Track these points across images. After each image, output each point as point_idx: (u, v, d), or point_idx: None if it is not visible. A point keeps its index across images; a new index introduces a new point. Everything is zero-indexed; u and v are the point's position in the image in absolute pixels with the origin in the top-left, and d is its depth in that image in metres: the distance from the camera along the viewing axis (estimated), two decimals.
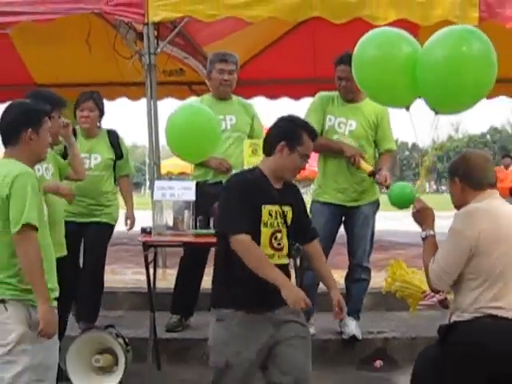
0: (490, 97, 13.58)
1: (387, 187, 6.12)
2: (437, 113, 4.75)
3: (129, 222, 7.15)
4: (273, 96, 13.76)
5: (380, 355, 6.24)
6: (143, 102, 13.16)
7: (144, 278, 7.54)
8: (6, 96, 14.24)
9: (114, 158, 6.79)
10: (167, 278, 7.57)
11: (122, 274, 8.60)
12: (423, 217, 4.61)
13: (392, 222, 18.03)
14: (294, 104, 14.14)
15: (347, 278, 6.73)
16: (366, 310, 7.00)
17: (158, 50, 8.68)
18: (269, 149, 4.44)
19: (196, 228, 5.74)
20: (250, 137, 6.71)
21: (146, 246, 5.72)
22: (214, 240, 5.69)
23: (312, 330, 6.07)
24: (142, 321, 6.52)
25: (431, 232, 4.48)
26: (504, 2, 8.12)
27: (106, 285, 7.01)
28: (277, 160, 4.36)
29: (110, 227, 6.79)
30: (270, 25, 10.18)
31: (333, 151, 6.44)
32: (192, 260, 6.74)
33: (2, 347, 3.96)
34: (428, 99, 4.73)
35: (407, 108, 4.89)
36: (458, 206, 4.43)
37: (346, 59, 5.82)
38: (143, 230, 5.90)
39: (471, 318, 4.06)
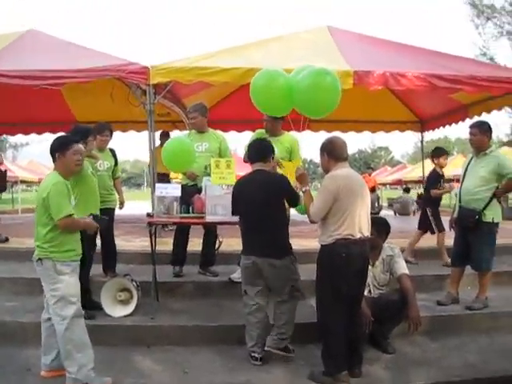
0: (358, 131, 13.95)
1: None
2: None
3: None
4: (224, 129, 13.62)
5: None
6: (144, 132, 13.22)
7: (146, 243, 7.50)
8: (58, 129, 14.09)
9: (114, 164, 6.70)
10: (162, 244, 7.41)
11: (132, 241, 8.42)
12: (302, 179, 4.80)
13: None
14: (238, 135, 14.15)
15: None
16: None
17: (155, 101, 8.56)
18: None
19: (181, 213, 5.71)
20: (219, 155, 6.68)
21: (151, 224, 5.70)
22: (192, 221, 5.75)
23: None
24: (146, 271, 6.40)
25: (307, 188, 4.70)
26: (368, 75, 8.18)
27: (121, 248, 6.98)
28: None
29: (114, 209, 6.71)
30: (221, 87, 10.24)
31: None
32: (180, 232, 6.70)
33: (47, 286, 4.25)
34: (300, 109, 5.04)
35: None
36: (325, 172, 4.62)
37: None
38: (148, 215, 5.86)
39: (333, 241, 4.35)
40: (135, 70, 8.33)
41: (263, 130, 6.70)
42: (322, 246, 4.49)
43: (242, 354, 4.95)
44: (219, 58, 8.80)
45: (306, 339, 5.11)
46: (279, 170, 6.33)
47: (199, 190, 6.20)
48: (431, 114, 13.06)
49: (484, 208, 5.84)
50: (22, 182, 32.06)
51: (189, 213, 5.79)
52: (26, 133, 14.39)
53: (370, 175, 18.50)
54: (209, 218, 5.43)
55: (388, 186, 46.03)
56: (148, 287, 5.90)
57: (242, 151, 29.47)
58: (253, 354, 4.79)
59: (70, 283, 4.22)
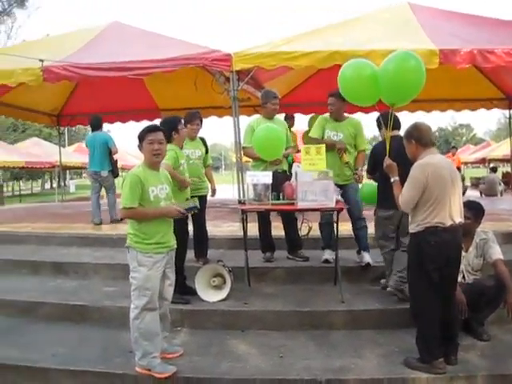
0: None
1: (360, 182, 6.48)
2: (392, 106, 5.01)
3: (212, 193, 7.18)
4: (304, 112, 13.57)
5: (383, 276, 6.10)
6: (224, 118, 13.42)
7: (234, 228, 7.61)
8: (140, 117, 14.54)
9: (205, 152, 6.77)
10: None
11: (220, 227, 8.58)
12: (391, 168, 4.74)
13: None
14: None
15: (353, 228, 6.61)
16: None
17: (239, 87, 8.66)
18: None
19: (271, 199, 5.76)
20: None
21: (244, 211, 5.80)
22: (285, 207, 5.80)
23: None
24: (236, 256, 6.54)
25: (396, 178, 4.63)
26: (455, 53, 7.95)
27: (210, 233, 7.07)
28: None
29: (206, 196, 6.76)
30: (299, 71, 10.26)
31: (329, 145, 6.22)
32: (264, 219, 6.74)
33: (132, 272, 4.37)
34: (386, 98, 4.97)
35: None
36: (412, 159, 4.50)
37: (334, 93, 6.14)
38: (239, 202, 5.97)
39: (423, 229, 4.29)
40: (218, 58, 8.46)
41: (327, 115, 6.71)
42: (411, 234, 4.44)
43: (334, 339, 5.00)
44: (300, 41, 8.79)
45: (400, 325, 5.09)
46: (343, 156, 6.40)
47: (288, 177, 6.26)
48: None
49: None
50: None
51: (279, 199, 5.84)
52: (111, 122, 14.83)
53: (453, 155, 18.04)
54: (300, 204, 5.47)
55: (470, 164, 44.55)
56: (239, 272, 6.01)
57: None
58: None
59: (148, 275, 4.28)
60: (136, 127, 15.07)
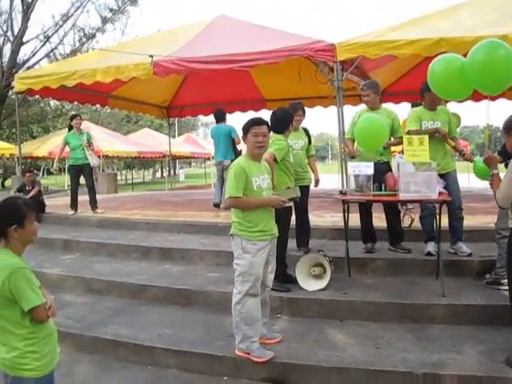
0: None
1: (471, 161, 6.21)
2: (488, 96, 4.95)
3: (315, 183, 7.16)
4: (410, 100, 13.26)
5: (489, 271, 5.89)
6: (330, 108, 13.43)
7: (336, 219, 7.63)
8: (247, 107, 14.83)
9: (308, 143, 6.82)
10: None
11: (323, 217, 8.63)
12: (491, 161, 4.50)
13: None
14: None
15: (450, 218, 6.44)
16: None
17: (344, 77, 8.65)
18: None
19: (373, 190, 5.77)
20: (391, 132, 6.66)
21: (344, 201, 5.82)
22: (387, 198, 5.77)
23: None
24: (337, 246, 6.58)
25: (495, 171, 4.39)
26: None
27: (313, 223, 7.14)
28: None
29: (308, 186, 6.79)
30: (405, 60, 10.00)
31: (431, 132, 6.23)
32: (365, 210, 6.72)
33: (235, 258, 4.53)
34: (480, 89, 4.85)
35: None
36: None
37: (425, 87, 5.94)
38: (340, 192, 6.00)
39: None
40: (322, 48, 8.49)
41: (420, 108, 6.62)
42: (511, 229, 4.28)
43: (433, 334, 4.92)
44: (405, 29, 8.62)
45: (503, 322, 4.93)
46: (449, 141, 6.38)
47: (390, 168, 6.22)
48: None
49: None
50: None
51: (381, 190, 5.83)
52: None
53: None
54: (402, 196, 5.42)
55: None
56: (340, 263, 6.06)
57: None
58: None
59: (252, 262, 4.42)
60: (242, 118, 15.48)
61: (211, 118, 11.22)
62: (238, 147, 10.34)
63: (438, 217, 5.64)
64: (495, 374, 4.10)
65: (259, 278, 4.49)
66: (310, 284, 5.74)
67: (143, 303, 6.04)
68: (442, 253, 5.74)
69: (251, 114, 14.70)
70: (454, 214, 6.34)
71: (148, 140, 27.22)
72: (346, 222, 5.91)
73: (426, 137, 5.60)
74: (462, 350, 4.54)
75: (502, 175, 4.27)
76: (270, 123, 4.84)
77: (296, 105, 6.69)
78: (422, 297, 5.42)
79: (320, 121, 60.53)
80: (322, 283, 5.72)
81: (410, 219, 6.81)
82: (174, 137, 34.78)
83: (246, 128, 4.57)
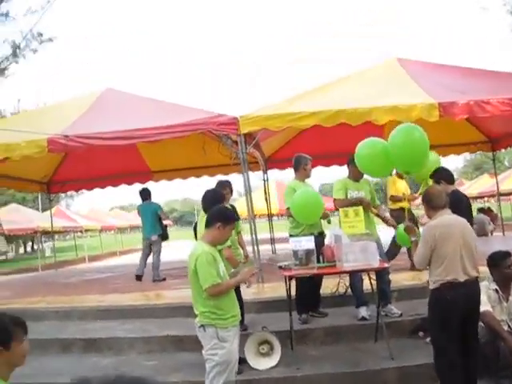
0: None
1: (395, 227, 6.63)
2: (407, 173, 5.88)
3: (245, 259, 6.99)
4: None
5: (420, 329, 6.19)
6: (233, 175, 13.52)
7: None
8: (133, 180, 14.58)
9: None
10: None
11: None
12: (409, 231, 5.18)
13: None
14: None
15: (379, 282, 6.48)
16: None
17: (248, 150, 8.88)
18: None
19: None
20: None
21: (291, 277, 5.81)
22: (331, 270, 5.91)
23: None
24: (268, 319, 6.59)
25: (414, 238, 5.06)
26: (453, 105, 8.31)
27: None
28: None
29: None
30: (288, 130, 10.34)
31: (353, 203, 6.53)
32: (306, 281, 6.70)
33: (207, 350, 4.39)
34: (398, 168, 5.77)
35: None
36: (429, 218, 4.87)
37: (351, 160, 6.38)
38: (280, 267, 6.02)
39: (438, 286, 4.55)
40: (225, 122, 8.65)
41: (345, 178, 7.00)
42: (430, 290, 4.69)
43: None
44: (303, 101, 9.07)
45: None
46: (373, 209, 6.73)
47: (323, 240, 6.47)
48: (503, 132, 13.00)
49: None
50: (86, 230, 33.02)
51: (318, 262, 5.95)
52: (102, 186, 14.85)
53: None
54: (347, 266, 5.58)
55: None
56: (279, 336, 5.95)
57: None
58: None
59: (230, 350, 4.35)
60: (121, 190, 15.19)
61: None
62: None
63: (373, 282, 5.89)
64: None
65: (236, 364, 4.43)
66: (261, 362, 5.66)
67: None
68: (374, 316, 5.97)
69: (138, 186, 14.53)
70: (383, 278, 6.58)
71: (15, 216, 25.75)
72: (289, 295, 5.92)
73: (361, 208, 5.88)
74: None
75: None
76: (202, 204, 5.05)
77: (224, 183, 6.76)
78: (371, 362, 5.55)
79: (184, 187, 60.84)
80: (273, 360, 5.66)
81: (345, 286, 6.99)
82: (38, 209, 33.18)
83: (226, 219, 4.53)
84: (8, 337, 2.68)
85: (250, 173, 13.44)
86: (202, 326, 4.38)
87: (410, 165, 5.55)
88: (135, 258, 20.43)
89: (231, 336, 4.37)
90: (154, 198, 11.42)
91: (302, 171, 7.05)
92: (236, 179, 11.72)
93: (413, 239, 5.04)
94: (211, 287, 4.27)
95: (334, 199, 6.73)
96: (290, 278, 5.75)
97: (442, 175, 5.80)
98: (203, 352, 4.45)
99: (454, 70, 10.40)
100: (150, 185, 14.14)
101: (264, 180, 14.20)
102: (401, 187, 9.23)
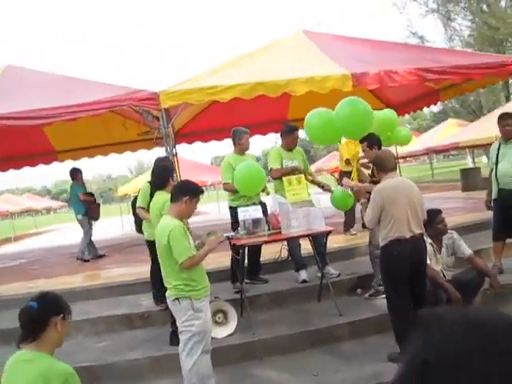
0: None
1: (331, 191, 6.81)
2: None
3: None
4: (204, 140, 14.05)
5: (358, 286, 6.65)
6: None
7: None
8: (36, 161, 13.93)
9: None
10: None
11: None
12: (359, 194, 5.67)
13: None
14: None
15: (316, 245, 6.72)
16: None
17: (170, 124, 8.82)
18: None
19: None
20: None
21: (242, 245, 5.93)
22: (277, 237, 6.11)
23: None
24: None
25: (363, 200, 5.48)
26: (365, 75, 8.70)
27: None
28: None
29: None
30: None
31: (289, 172, 6.87)
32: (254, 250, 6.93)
33: (182, 322, 4.46)
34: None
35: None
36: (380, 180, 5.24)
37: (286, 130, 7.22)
38: (228, 238, 6.10)
39: (387, 242, 4.98)
40: (145, 97, 8.46)
41: (279, 147, 7.29)
42: (380, 247, 5.14)
43: (351, 350, 5.43)
44: (222, 73, 9.04)
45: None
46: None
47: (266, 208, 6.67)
48: (400, 100, 13.72)
49: None
50: None
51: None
52: (4, 169, 14.08)
53: None
54: (294, 232, 5.82)
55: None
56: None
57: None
58: None
59: (206, 319, 4.47)
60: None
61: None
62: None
63: (314, 245, 6.21)
64: None
65: (211, 332, 4.55)
66: (218, 331, 5.77)
67: None
68: (314, 279, 6.30)
69: (41, 168, 14.01)
70: (319, 241, 6.87)
71: None
72: (242, 264, 6.05)
73: (303, 176, 6.13)
74: (385, 358, 5.01)
75: None
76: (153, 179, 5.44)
77: (166, 157, 6.84)
78: (322, 321, 5.88)
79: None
80: (229, 328, 5.82)
81: (287, 252, 7.23)
82: None
83: (193, 192, 4.55)
84: (68, 309, 2.94)
85: (158, 148, 13.49)
86: (177, 299, 4.43)
87: (356, 133, 5.92)
88: (35, 244, 19.84)
89: (205, 306, 4.49)
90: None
91: (237, 145, 7.17)
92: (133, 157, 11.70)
93: (362, 201, 5.47)
94: (188, 260, 4.34)
95: (271, 169, 6.94)
96: (243, 246, 5.91)
97: (375, 141, 6.16)
98: (178, 324, 4.52)
99: (364, 42, 10.79)
100: (55, 166, 13.74)
101: (174, 155, 14.07)
102: (352, 149, 9.51)
